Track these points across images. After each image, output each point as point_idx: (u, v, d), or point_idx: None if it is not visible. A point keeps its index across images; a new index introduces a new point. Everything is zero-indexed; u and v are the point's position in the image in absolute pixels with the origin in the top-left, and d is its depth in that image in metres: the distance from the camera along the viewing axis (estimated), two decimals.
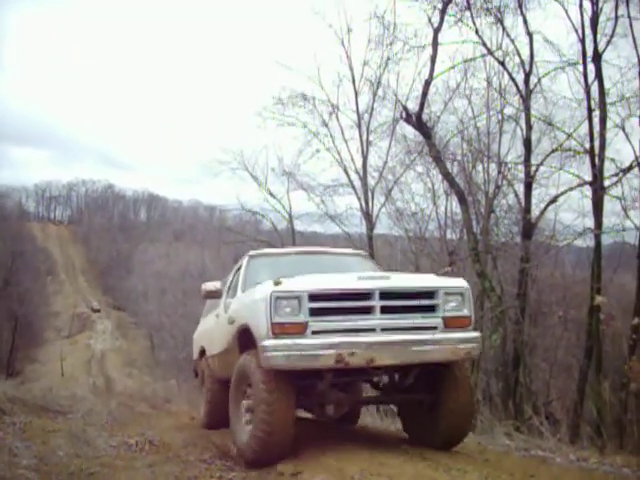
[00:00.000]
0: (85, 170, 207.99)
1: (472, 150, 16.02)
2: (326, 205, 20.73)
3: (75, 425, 8.83)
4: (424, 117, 15.19)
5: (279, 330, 5.13)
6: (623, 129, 13.41)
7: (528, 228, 14.63)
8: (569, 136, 14.33)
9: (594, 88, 13.41)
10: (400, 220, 19.28)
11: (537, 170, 14.90)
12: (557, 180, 15.22)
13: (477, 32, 14.71)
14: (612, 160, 13.32)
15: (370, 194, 19.39)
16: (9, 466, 5.23)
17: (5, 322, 48.59)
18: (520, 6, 14.44)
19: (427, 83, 14.91)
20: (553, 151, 14.69)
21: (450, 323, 5.53)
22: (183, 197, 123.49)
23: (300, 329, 5.15)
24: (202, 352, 9.05)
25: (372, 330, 5.31)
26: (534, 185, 15.01)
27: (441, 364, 5.79)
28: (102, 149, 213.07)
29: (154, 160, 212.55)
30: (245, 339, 5.79)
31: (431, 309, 5.53)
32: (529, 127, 14.69)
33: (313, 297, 5.21)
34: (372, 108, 19.23)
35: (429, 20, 14.69)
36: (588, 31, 13.39)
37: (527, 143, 14.72)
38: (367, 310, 5.35)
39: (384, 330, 5.33)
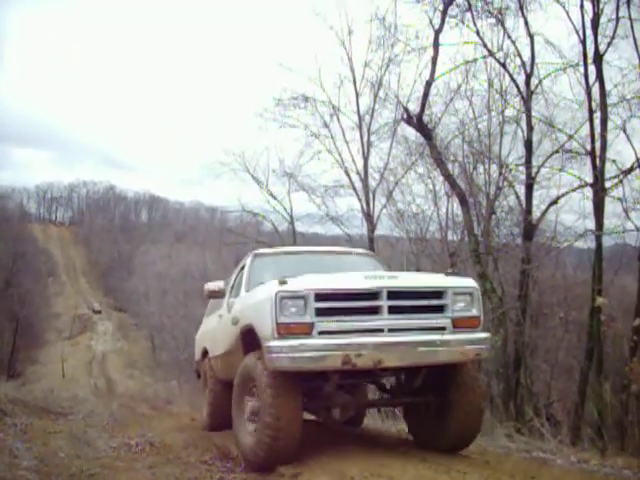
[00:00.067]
0: (86, 171, 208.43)
1: (473, 151, 16.00)
2: (327, 206, 20.80)
3: (76, 426, 8.87)
4: (425, 118, 15.19)
5: (284, 331, 5.04)
6: (624, 130, 13.39)
7: (529, 229, 14.60)
8: (570, 137, 14.32)
9: (595, 89, 13.39)
10: (401, 221, 19.27)
11: (538, 171, 14.87)
12: (558, 181, 15.22)
13: (478, 33, 14.71)
14: (613, 161, 13.31)
15: (371, 195, 19.41)
16: (10, 467, 5.25)
17: (6, 323, 48.62)
18: (521, 7, 14.42)
19: (428, 84, 14.91)
20: (554, 152, 14.66)
21: (459, 323, 5.43)
22: (184, 198, 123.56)
23: (306, 330, 5.05)
24: (205, 353, 8.93)
25: (380, 331, 5.20)
26: (535, 186, 15.00)
27: (449, 365, 5.68)
28: (103, 150, 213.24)
29: (156, 161, 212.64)
30: (249, 340, 5.70)
31: (439, 309, 5.44)
32: (530, 128, 14.67)
33: (319, 297, 5.10)
34: (373, 109, 19.27)
35: (430, 21, 14.71)
36: (589, 32, 13.37)
37: (528, 144, 14.70)
38: (374, 310, 5.24)
39: (392, 331, 5.22)
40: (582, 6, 13.36)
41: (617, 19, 12.89)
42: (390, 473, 4.87)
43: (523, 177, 14.96)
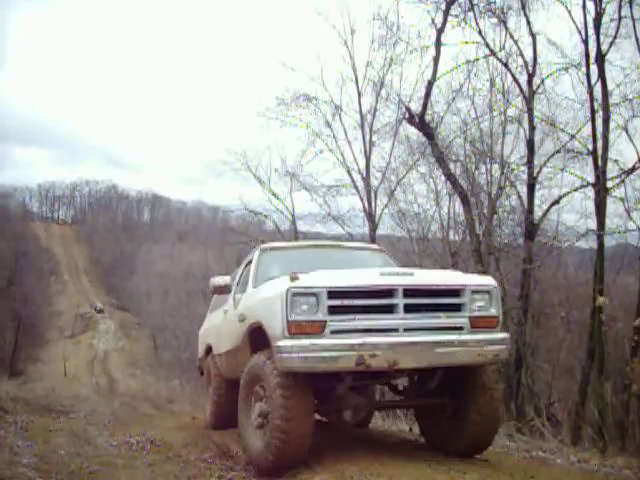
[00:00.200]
0: (89, 170, 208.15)
1: (475, 151, 15.97)
2: (329, 206, 20.75)
3: (76, 424, 8.88)
4: (427, 118, 15.20)
5: (296, 329, 4.81)
6: (626, 130, 13.42)
7: (531, 229, 14.60)
8: (572, 137, 14.32)
9: (597, 89, 13.40)
10: (403, 221, 19.26)
11: (540, 171, 14.89)
12: (560, 181, 15.18)
13: (480, 33, 14.71)
14: (615, 161, 13.33)
15: (373, 195, 19.40)
16: (10, 465, 5.26)
17: (8, 322, 48.70)
18: (523, 7, 14.43)
19: (430, 84, 14.92)
20: (556, 152, 14.66)
21: (477, 323, 5.22)
22: (187, 198, 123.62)
23: (318, 328, 4.82)
24: (208, 350, 8.71)
25: (395, 330, 4.97)
26: (537, 186, 15.01)
27: (466, 366, 5.44)
28: (106, 149, 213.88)
29: (158, 160, 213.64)
30: (257, 338, 5.48)
31: (457, 308, 5.22)
32: (532, 128, 14.67)
33: (332, 294, 4.87)
34: (375, 109, 19.26)
35: (432, 21, 14.72)
36: (591, 32, 13.38)
37: (530, 144, 14.71)
38: (389, 309, 5.01)
39: (407, 330, 5.00)
40: (584, 6, 13.39)
41: (619, 19, 12.90)
42: (390, 472, 4.86)
43: (525, 177, 14.98)
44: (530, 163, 14.69)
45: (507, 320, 14.12)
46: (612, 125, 13.28)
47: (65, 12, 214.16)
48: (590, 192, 13.73)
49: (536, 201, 15.09)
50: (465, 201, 14.91)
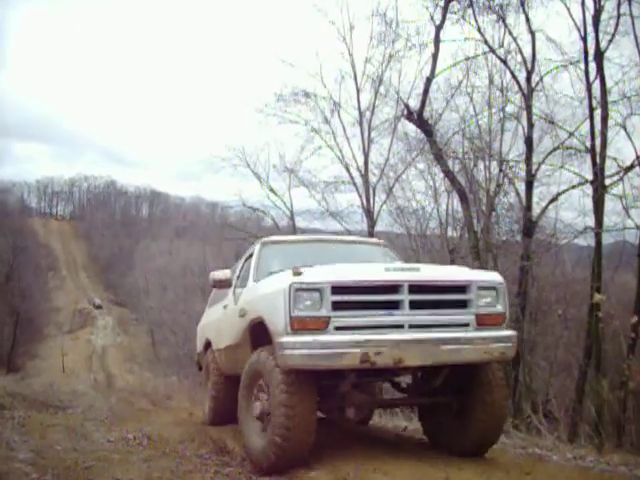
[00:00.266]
0: (87, 166, 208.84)
1: (473, 148, 15.99)
2: (327, 202, 20.78)
3: (74, 420, 8.89)
4: (425, 115, 15.23)
5: (299, 325, 4.69)
6: (624, 128, 13.43)
7: (529, 226, 14.60)
8: (570, 134, 14.33)
9: (596, 86, 13.43)
10: (401, 217, 19.29)
11: (538, 168, 14.88)
12: (558, 179, 15.23)
13: (479, 30, 14.76)
14: (614, 159, 13.35)
15: (371, 191, 19.44)
16: (6, 460, 5.26)
17: (6, 317, 48.70)
18: (522, 4, 14.45)
19: (428, 80, 14.95)
20: (554, 149, 14.69)
21: (483, 320, 5.11)
22: (185, 194, 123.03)
23: (321, 324, 4.70)
24: (207, 345, 8.60)
25: (400, 327, 4.86)
26: (535, 183, 15.01)
27: (471, 364, 5.32)
28: (104, 145, 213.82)
29: (156, 156, 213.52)
30: (258, 334, 5.37)
31: (462, 305, 5.12)
32: (531, 125, 14.67)
33: (336, 289, 4.74)
34: (374, 105, 19.30)
35: (431, 17, 14.78)
36: (590, 29, 13.41)
37: (528, 141, 14.71)
38: (394, 305, 4.89)
39: (412, 327, 4.88)
40: (583, 3, 13.42)
41: (618, 16, 12.91)
42: (385, 468, 4.87)
43: (523, 174, 14.99)
44: (528, 160, 14.70)
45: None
46: (610, 123, 13.33)
47: (66, 9, 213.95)
48: (588, 189, 13.77)
49: (534, 198, 15.12)
50: (463, 198, 14.93)
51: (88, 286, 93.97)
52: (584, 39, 13.52)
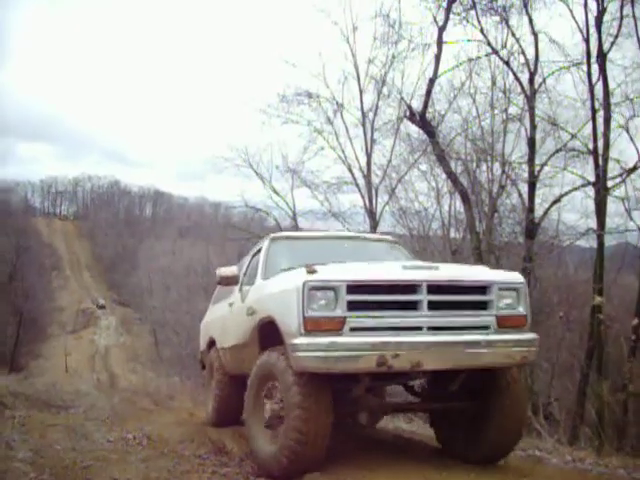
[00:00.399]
0: (91, 166, 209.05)
1: (476, 149, 15.99)
2: (330, 203, 20.78)
3: (74, 420, 8.89)
4: (428, 116, 15.22)
5: (312, 326, 4.48)
6: (627, 130, 13.42)
7: (531, 228, 14.57)
8: (573, 136, 14.30)
9: (598, 88, 13.40)
10: (404, 218, 19.25)
11: (541, 170, 14.87)
12: (561, 180, 15.20)
13: (482, 31, 14.72)
14: (616, 161, 13.33)
15: (374, 192, 19.44)
16: (5, 459, 5.27)
17: (10, 317, 48.76)
18: (525, 5, 14.41)
19: (431, 81, 14.94)
20: (557, 151, 14.65)
21: (504, 322, 4.89)
22: (189, 194, 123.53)
23: (336, 325, 4.49)
24: (211, 343, 8.32)
25: (418, 329, 4.66)
26: (538, 185, 14.98)
27: (489, 369, 5.10)
28: (108, 145, 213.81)
29: (160, 156, 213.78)
30: (268, 334, 5.17)
31: (482, 306, 4.91)
32: (533, 127, 14.64)
33: (352, 288, 4.53)
34: (377, 106, 19.31)
35: (434, 19, 14.77)
36: (593, 31, 13.39)
37: (531, 143, 14.68)
38: (412, 305, 4.69)
39: (431, 329, 4.68)
40: (586, 4, 13.39)
41: (621, 17, 12.89)
42: (383, 471, 4.87)
43: (526, 175, 14.96)
44: (531, 162, 14.67)
45: None
46: (613, 124, 13.29)
47: (68, 9, 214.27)
48: (591, 191, 13.74)
49: (537, 200, 15.08)
50: (466, 199, 14.91)
51: (91, 286, 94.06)
52: (587, 41, 13.50)
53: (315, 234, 8.25)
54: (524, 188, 15.30)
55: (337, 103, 19.83)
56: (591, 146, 13.57)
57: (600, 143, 13.21)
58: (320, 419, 4.64)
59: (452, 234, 18.40)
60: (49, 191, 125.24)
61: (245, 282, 6.69)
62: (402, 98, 17.05)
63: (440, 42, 14.81)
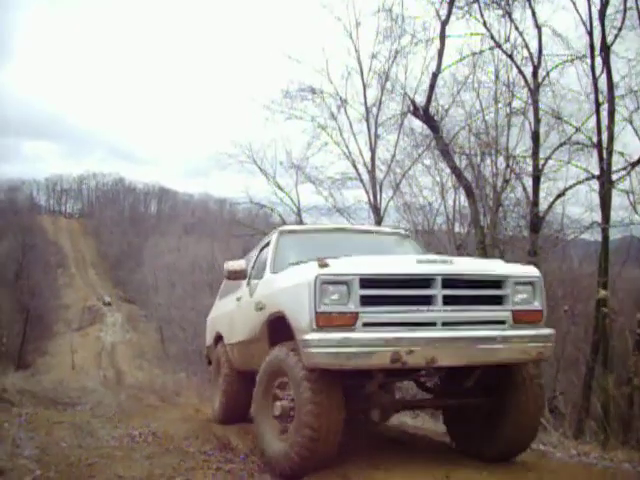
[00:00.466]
0: (96, 163, 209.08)
1: (480, 143, 15.92)
2: (334, 198, 20.70)
3: (81, 417, 8.92)
4: (432, 110, 15.20)
5: (325, 322, 4.39)
6: (631, 122, 13.34)
7: (536, 222, 14.53)
8: (577, 129, 14.23)
9: (602, 81, 13.33)
10: (408, 213, 19.19)
11: (545, 164, 14.80)
12: (565, 174, 15.11)
13: (485, 25, 14.64)
14: (621, 154, 13.27)
15: (378, 187, 19.39)
16: (11, 456, 5.30)
17: (16, 315, 48.87)
18: None
19: (435, 76, 14.90)
20: (561, 144, 14.58)
21: (520, 318, 4.81)
22: (194, 190, 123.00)
23: (349, 321, 4.39)
24: (218, 338, 8.20)
25: (432, 324, 4.57)
26: (542, 179, 14.90)
27: (505, 365, 5.02)
28: (113, 142, 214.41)
29: (165, 153, 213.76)
30: (278, 329, 5.09)
31: (498, 300, 4.82)
32: (537, 120, 14.58)
33: (365, 282, 4.44)
34: (380, 101, 19.19)
35: (437, 13, 14.73)
36: (596, 23, 13.30)
37: (535, 136, 14.62)
38: (426, 300, 4.59)
39: (445, 324, 4.59)
40: None
41: (625, 10, 12.82)
42: (387, 465, 4.87)
43: (530, 169, 14.88)
44: (535, 155, 14.60)
45: None
46: (617, 117, 13.23)
47: (72, 6, 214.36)
48: (595, 185, 13.68)
49: (541, 194, 15.00)
50: (470, 194, 14.89)
51: (97, 283, 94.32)
52: (590, 33, 13.43)
53: (325, 227, 8.12)
54: (528, 182, 15.24)
55: (341, 98, 19.78)
56: (595, 139, 13.52)
57: (604, 136, 13.16)
58: (332, 415, 4.56)
59: (457, 228, 18.37)
60: (54, 189, 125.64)
61: (253, 276, 6.60)
62: (405, 93, 17.00)
63: (443, 36, 14.77)
